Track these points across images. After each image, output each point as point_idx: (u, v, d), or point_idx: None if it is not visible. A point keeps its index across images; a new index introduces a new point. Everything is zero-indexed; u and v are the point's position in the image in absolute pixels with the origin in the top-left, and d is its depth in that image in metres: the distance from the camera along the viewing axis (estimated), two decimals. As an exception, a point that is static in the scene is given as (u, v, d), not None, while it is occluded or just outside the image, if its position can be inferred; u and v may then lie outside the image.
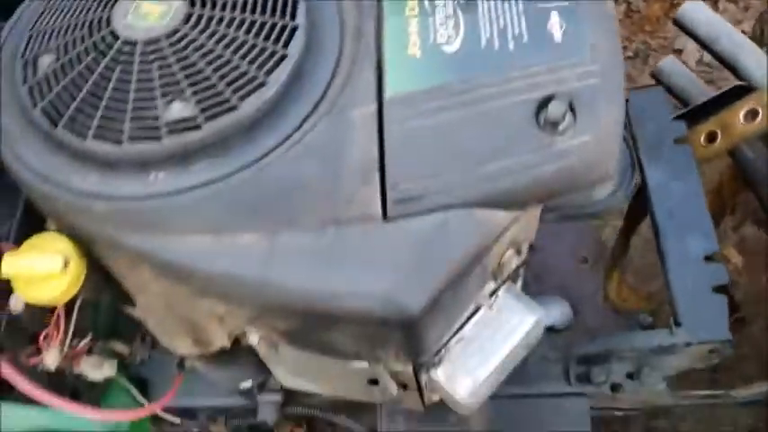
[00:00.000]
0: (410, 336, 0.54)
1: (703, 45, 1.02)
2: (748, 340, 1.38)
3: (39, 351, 0.69)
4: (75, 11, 0.58)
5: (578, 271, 0.91)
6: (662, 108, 0.93)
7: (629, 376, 0.83)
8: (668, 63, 1.13)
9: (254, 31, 0.54)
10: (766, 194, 1.05)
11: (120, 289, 0.62)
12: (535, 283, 0.71)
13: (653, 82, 1.13)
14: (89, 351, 0.78)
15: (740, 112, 0.93)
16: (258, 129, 0.53)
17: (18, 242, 0.58)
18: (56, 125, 0.53)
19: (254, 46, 0.54)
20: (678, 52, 1.77)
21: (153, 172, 0.52)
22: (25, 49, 0.58)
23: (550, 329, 0.85)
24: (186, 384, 0.84)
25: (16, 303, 0.66)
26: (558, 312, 0.84)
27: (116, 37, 0.55)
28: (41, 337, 0.67)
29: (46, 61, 0.56)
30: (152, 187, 0.52)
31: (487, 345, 0.61)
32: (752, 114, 0.92)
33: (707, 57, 1.71)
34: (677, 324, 0.78)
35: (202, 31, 0.54)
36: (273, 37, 0.54)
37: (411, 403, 0.71)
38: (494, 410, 0.84)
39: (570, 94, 0.51)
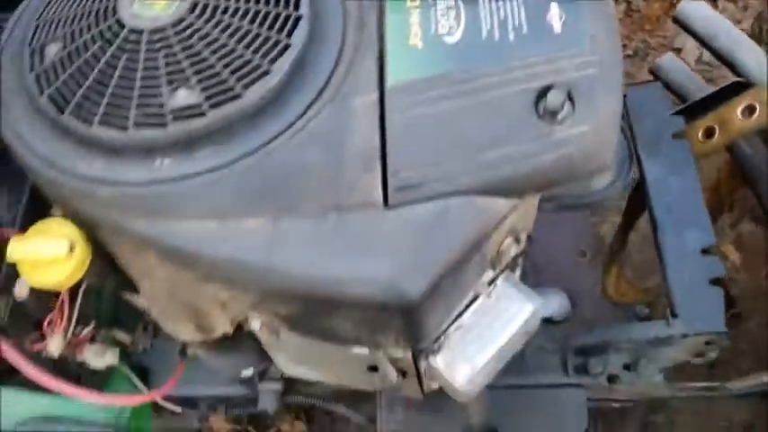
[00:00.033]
0: (410, 321, 0.55)
1: (702, 42, 1.03)
2: (745, 336, 1.39)
3: (42, 337, 0.70)
4: (81, 0, 0.58)
5: (577, 264, 0.92)
6: (660, 103, 0.94)
7: (626, 368, 0.84)
8: (667, 60, 1.13)
9: (258, 20, 0.55)
10: (764, 190, 1.06)
11: (124, 275, 0.63)
12: (534, 276, 0.72)
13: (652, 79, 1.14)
14: (92, 339, 0.79)
15: (738, 107, 0.94)
16: (262, 116, 0.53)
17: (24, 228, 0.59)
18: (62, 112, 0.54)
19: (258, 35, 0.55)
20: (677, 51, 1.78)
21: (158, 158, 0.53)
22: (32, 37, 0.59)
23: (548, 321, 0.86)
24: (187, 373, 0.84)
25: (21, 289, 0.67)
26: (556, 304, 0.85)
27: (122, 26, 0.55)
28: (45, 324, 0.68)
29: (53, 50, 0.57)
30: (157, 173, 0.53)
31: (486, 332, 0.62)
32: (749, 110, 0.93)
33: (706, 55, 1.72)
34: (674, 315, 0.79)
35: (208, 21, 0.55)
36: (277, 27, 0.55)
37: (410, 391, 0.72)
38: (492, 401, 0.85)
39: (569, 84, 0.52)
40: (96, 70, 0.55)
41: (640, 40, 1.84)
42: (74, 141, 0.54)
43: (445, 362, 0.62)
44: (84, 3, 0.58)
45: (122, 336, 0.86)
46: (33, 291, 0.67)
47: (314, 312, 0.57)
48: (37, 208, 0.63)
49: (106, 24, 0.56)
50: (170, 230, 0.53)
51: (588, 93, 0.53)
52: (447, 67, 0.55)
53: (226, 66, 0.53)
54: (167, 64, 0.54)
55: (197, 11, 0.55)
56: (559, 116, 0.52)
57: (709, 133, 0.97)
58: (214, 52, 0.54)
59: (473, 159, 0.52)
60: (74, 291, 0.67)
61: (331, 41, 0.57)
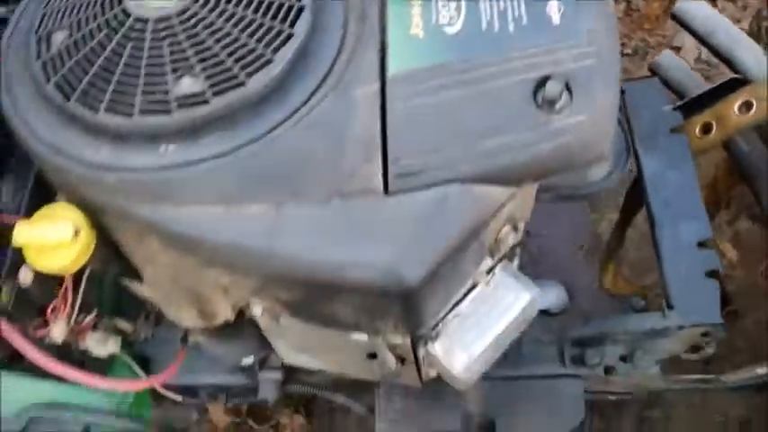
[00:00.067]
0: (409, 307, 0.56)
1: (700, 39, 1.04)
2: (741, 333, 1.40)
3: (46, 323, 0.71)
4: (87, -10, 0.59)
5: (575, 258, 0.93)
6: (658, 98, 0.95)
7: (623, 359, 0.85)
8: (666, 57, 1.14)
9: (261, 10, 0.56)
10: (761, 187, 1.07)
11: (127, 262, 0.64)
12: (532, 268, 0.72)
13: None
14: (94, 327, 0.80)
15: (735, 103, 0.95)
16: (265, 104, 0.54)
17: (29, 213, 0.60)
18: (68, 99, 0.55)
19: (261, 25, 0.56)
20: (677, 49, 1.79)
21: (163, 145, 0.54)
22: (39, 26, 0.59)
23: (546, 313, 0.86)
24: (188, 362, 0.85)
25: (25, 275, 0.69)
26: (553, 296, 0.86)
27: (128, 15, 0.56)
28: (49, 310, 0.69)
29: (59, 38, 0.58)
30: (162, 159, 0.54)
31: (484, 320, 0.63)
32: (746, 106, 0.94)
33: (705, 54, 1.73)
34: (670, 307, 0.80)
35: (212, 10, 0.56)
36: (280, 16, 0.56)
37: (408, 379, 0.73)
38: (489, 391, 0.86)
39: (567, 74, 0.53)
40: (102, 58, 0.55)
41: (640, 39, 1.85)
42: (80, 128, 0.55)
43: (443, 349, 0.63)
44: (90, -8, 0.59)
45: (124, 324, 0.86)
46: (37, 277, 0.68)
47: (314, 297, 0.58)
48: (42, 194, 0.64)
49: (112, 13, 0.57)
50: (174, 215, 0.54)
51: (586, 83, 0.54)
52: (447, 57, 0.56)
53: (230, 54, 0.54)
54: (172, 52, 0.55)
55: (201, 0, 0.56)
56: (557, 106, 0.53)
57: (706, 129, 0.98)
58: (218, 41, 0.55)
59: (472, 148, 0.53)
60: (77, 277, 0.68)
61: (333, 31, 0.57)
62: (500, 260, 0.65)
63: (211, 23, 0.55)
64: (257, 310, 0.61)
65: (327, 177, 0.54)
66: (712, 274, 0.81)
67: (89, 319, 0.77)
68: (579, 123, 0.53)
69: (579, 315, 0.86)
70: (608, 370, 0.84)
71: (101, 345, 0.80)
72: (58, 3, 0.60)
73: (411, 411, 0.86)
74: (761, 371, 0.88)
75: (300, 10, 0.56)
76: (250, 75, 0.54)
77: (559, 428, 0.84)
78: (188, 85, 0.54)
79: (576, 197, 0.73)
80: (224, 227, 0.53)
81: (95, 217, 0.58)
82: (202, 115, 0.53)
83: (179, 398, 0.89)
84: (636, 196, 1.03)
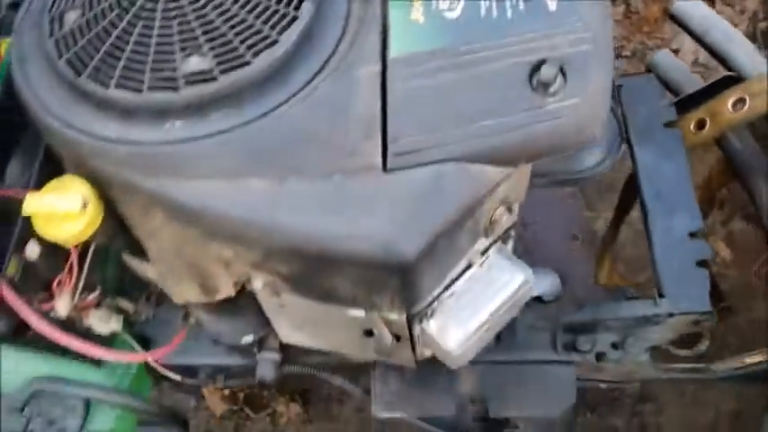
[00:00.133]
0: (405, 280, 0.58)
1: (696, 38, 1.06)
2: (734, 330, 1.43)
3: (51, 297, 0.73)
4: (99, -29, 0.61)
5: (569, 247, 0.94)
6: (654, 94, 0.97)
7: (614, 346, 0.86)
8: (662, 56, 1.16)
9: (267, -7, 0.58)
10: (753, 184, 1.09)
11: (132, 237, 0.65)
12: (526, 258, 0.74)
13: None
14: (97, 305, 0.82)
15: (729, 100, 0.97)
16: (270, 83, 0.56)
17: (39, 186, 0.62)
18: (80, 75, 0.57)
19: (267, 7, 0.58)
20: (675, 52, 1.81)
21: (170, 120, 0.56)
22: (52, 6, 0.61)
23: (539, 300, 0.88)
24: (188, 343, 0.87)
25: (32, 250, 0.70)
26: (547, 283, 0.87)
27: (139, -5, 0.58)
28: (54, 283, 0.71)
29: (72, 17, 0.60)
30: (169, 134, 0.56)
31: (478, 299, 0.65)
32: (740, 103, 0.96)
33: (702, 57, 1.75)
34: (661, 295, 0.82)
35: (220, -8, 0.58)
36: (285, 0, 0.58)
37: (403, 358, 0.75)
38: (482, 376, 0.87)
39: (562, 59, 0.55)
40: (113, 36, 0.57)
41: (639, 42, 1.87)
42: (90, 103, 0.57)
43: (438, 326, 0.65)
44: (102, -27, 0.61)
45: (126, 304, 0.88)
46: (44, 252, 0.70)
47: (314, 271, 0.60)
48: (51, 170, 0.65)
49: (123, -7, 0.59)
50: (179, 188, 0.55)
51: (580, 68, 0.55)
52: (447, 41, 0.58)
53: (236, 35, 0.56)
54: (181, 32, 0.57)
55: (210, -18, 0.58)
56: (552, 89, 0.55)
57: (700, 125, 1.00)
58: (226, 21, 0.57)
59: (469, 128, 0.55)
60: (83, 252, 0.70)
61: (337, 15, 0.59)
62: (495, 242, 0.67)
63: (220, 4, 0.57)
64: (258, 284, 0.63)
65: (329, 154, 0.55)
66: (703, 263, 0.83)
67: (93, 296, 0.79)
68: (573, 106, 0.55)
69: (572, 303, 0.87)
70: (599, 356, 0.86)
71: (103, 322, 0.82)
72: (71, -17, 0.62)
73: (406, 394, 0.87)
74: (750, 360, 0.90)
75: (305, -7, 0.58)
76: (256, 54, 0.56)
77: (551, 413, 0.86)
78: (196, 63, 0.56)
79: (570, 182, 0.75)
80: (228, 200, 0.55)
81: (102, 190, 0.59)
82: (209, 92, 0.55)
83: (178, 377, 0.91)
84: (631, 192, 1.05)
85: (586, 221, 1.07)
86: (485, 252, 0.66)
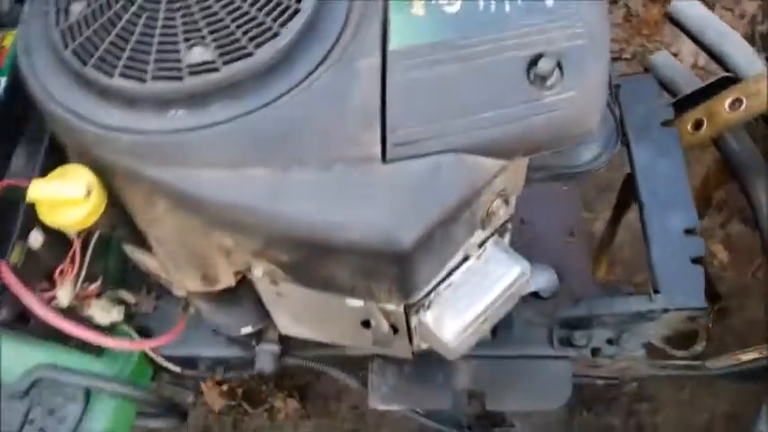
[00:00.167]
0: (402, 269, 0.59)
1: (693, 38, 1.07)
2: (731, 331, 1.44)
3: (53, 287, 0.73)
4: (105, -37, 0.62)
5: (566, 243, 0.95)
6: (652, 93, 0.98)
7: (609, 342, 0.87)
8: (661, 56, 1.18)
9: (270, -14, 0.59)
10: (749, 185, 1.10)
11: (134, 227, 0.66)
12: (523, 253, 0.75)
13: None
14: (98, 296, 0.83)
15: (726, 100, 0.98)
16: (272, 74, 0.57)
17: (43, 174, 0.63)
18: (85, 64, 0.58)
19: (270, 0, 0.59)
20: (674, 56, 1.82)
21: (173, 109, 0.57)
22: (58, -4, 0.62)
23: (536, 296, 0.89)
24: (188, 335, 0.88)
25: (35, 239, 0.71)
26: (544, 279, 0.88)
27: (143, -13, 0.59)
28: (57, 272, 0.72)
29: (77, 8, 0.61)
30: (172, 123, 0.56)
31: (475, 290, 0.65)
32: (737, 103, 0.98)
33: (701, 61, 1.76)
34: (656, 291, 0.83)
35: (223, -15, 0.59)
36: (288, -7, 0.59)
37: (400, 350, 0.76)
38: (479, 370, 0.88)
39: (559, 53, 0.56)
40: (118, 27, 0.58)
41: (638, 45, 1.88)
42: (95, 92, 0.58)
43: (434, 317, 0.66)
44: (107, -35, 0.62)
45: (127, 296, 0.89)
46: (47, 241, 0.71)
47: (313, 259, 0.61)
48: (55, 159, 0.66)
49: (128, -15, 0.60)
50: (182, 177, 0.56)
51: (577, 62, 0.56)
52: (446, 35, 0.59)
53: (239, 26, 0.57)
54: (185, 23, 0.58)
55: (213, -25, 0.59)
56: (549, 82, 0.56)
57: (697, 125, 1.01)
58: (229, 14, 0.58)
59: (466, 120, 0.56)
60: (86, 241, 0.71)
61: (338, 8, 0.60)
62: (492, 234, 0.68)
63: (223, -3, 0.58)
64: (258, 272, 0.64)
65: (329, 144, 0.56)
66: (698, 260, 0.84)
67: (94, 286, 0.80)
68: (569, 99, 0.56)
69: (569, 299, 0.88)
70: (595, 351, 0.87)
71: (104, 312, 0.83)
72: (77, -25, 0.63)
73: (403, 387, 0.88)
74: (744, 357, 0.91)
75: (307, -13, 0.59)
76: (258, 46, 0.57)
77: (547, 407, 0.87)
78: (199, 53, 0.57)
79: (567, 177, 0.76)
80: (229, 188, 0.56)
81: (105, 178, 0.60)
82: (212, 83, 0.56)
83: (178, 369, 0.91)
84: (628, 192, 1.06)
85: (584, 219, 1.08)
86: (482, 244, 0.67)
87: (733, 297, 1.49)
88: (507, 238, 0.72)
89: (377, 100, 0.57)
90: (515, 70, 0.57)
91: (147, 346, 0.85)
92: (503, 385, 0.88)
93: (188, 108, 0.57)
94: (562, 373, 0.88)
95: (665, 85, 1.14)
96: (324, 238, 0.56)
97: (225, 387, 1.48)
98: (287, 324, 0.78)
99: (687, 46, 1.77)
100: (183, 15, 0.58)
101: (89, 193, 0.59)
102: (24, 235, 0.70)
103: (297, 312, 0.75)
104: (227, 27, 0.57)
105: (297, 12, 0.58)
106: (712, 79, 1.04)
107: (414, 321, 0.68)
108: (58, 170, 0.61)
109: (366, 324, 0.71)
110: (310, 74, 0.58)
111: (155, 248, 0.67)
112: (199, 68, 0.56)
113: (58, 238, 0.71)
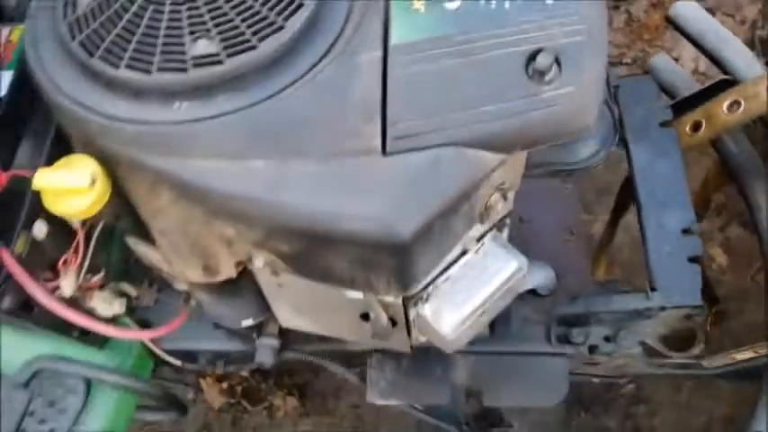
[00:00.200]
0: (401, 261, 0.59)
1: (692, 41, 1.08)
2: (729, 334, 1.44)
3: (56, 277, 0.74)
4: (112, -42, 0.63)
5: (564, 242, 0.96)
6: (650, 95, 0.99)
7: (606, 339, 0.88)
8: (660, 60, 1.18)
9: (274, -19, 0.60)
10: (747, 187, 1.10)
11: (137, 218, 0.67)
12: (522, 251, 0.76)
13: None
14: (101, 288, 0.84)
15: (724, 103, 0.99)
16: (275, 67, 0.58)
17: (49, 163, 0.64)
18: (92, 56, 0.59)
19: (274, -6, 0.60)
20: (675, 61, 1.83)
21: (178, 101, 0.58)
22: (66, -10, 0.64)
23: (534, 293, 0.90)
24: (188, 328, 0.89)
25: (39, 229, 0.72)
26: (542, 277, 0.89)
27: (150, -20, 0.60)
28: (60, 262, 0.73)
29: (85, 1, 0.62)
30: (176, 114, 0.57)
31: (473, 283, 0.66)
32: (735, 105, 0.98)
33: (702, 66, 1.77)
34: (653, 289, 0.83)
35: (228, -21, 0.60)
36: (292, -13, 0.60)
37: (398, 343, 0.76)
38: (477, 366, 0.89)
39: (557, 48, 0.57)
40: (125, 20, 0.60)
41: (639, 50, 1.90)
42: (101, 83, 0.59)
43: (432, 310, 0.66)
44: (114, -40, 0.63)
45: (129, 288, 0.90)
46: (50, 232, 0.72)
47: (314, 250, 0.62)
48: (60, 149, 0.67)
49: (135, -21, 0.61)
50: (185, 167, 0.57)
51: (575, 58, 0.57)
52: (446, 30, 0.60)
53: (243, 20, 0.58)
54: (190, 16, 0.59)
55: (219, -31, 0.60)
56: (547, 77, 0.57)
57: (696, 127, 1.02)
58: (233, 8, 0.59)
59: (466, 114, 0.57)
60: (89, 232, 0.72)
61: (341, 4, 0.61)
62: (490, 229, 0.68)
63: (228, -10, 0.59)
64: (258, 263, 0.65)
65: (330, 137, 0.57)
66: (695, 259, 0.85)
67: (97, 278, 0.81)
68: (567, 94, 0.57)
69: (567, 296, 0.89)
70: (592, 349, 0.87)
71: (107, 304, 0.84)
72: (84, -31, 0.64)
73: (402, 383, 0.89)
74: (740, 356, 0.91)
75: (311, -18, 0.60)
76: (262, 39, 0.58)
77: (544, 404, 0.87)
78: (204, 46, 0.58)
79: (565, 173, 0.77)
80: (232, 179, 0.57)
81: (110, 168, 0.61)
82: (216, 75, 0.57)
83: (178, 362, 0.92)
84: (627, 194, 1.07)
85: (582, 221, 1.09)
86: (480, 239, 0.68)
87: (732, 300, 1.49)
88: (506, 233, 0.73)
89: (378, 93, 0.58)
90: (514, 65, 0.58)
91: (148, 336, 0.86)
92: (500, 381, 0.88)
93: (192, 100, 0.58)
94: (559, 370, 0.88)
95: (664, 88, 1.15)
96: (324, 229, 0.57)
97: (224, 385, 1.49)
98: (287, 316, 0.79)
99: (688, 51, 1.78)
100: (189, 8, 0.59)
101: (93, 182, 0.60)
102: (29, 225, 0.72)
103: (297, 304, 0.75)
104: (231, 20, 0.59)
105: (300, 6, 0.59)
106: (710, 82, 1.05)
107: (412, 314, 0.69)
108: (64, 159, 0.62)
109: (365, 317, 0.71)
110: (313, 67, 0.59)
111: (157, 239, 0.68)
112: (203, 61, 0.57)
113: (61, 229, 0.72)
